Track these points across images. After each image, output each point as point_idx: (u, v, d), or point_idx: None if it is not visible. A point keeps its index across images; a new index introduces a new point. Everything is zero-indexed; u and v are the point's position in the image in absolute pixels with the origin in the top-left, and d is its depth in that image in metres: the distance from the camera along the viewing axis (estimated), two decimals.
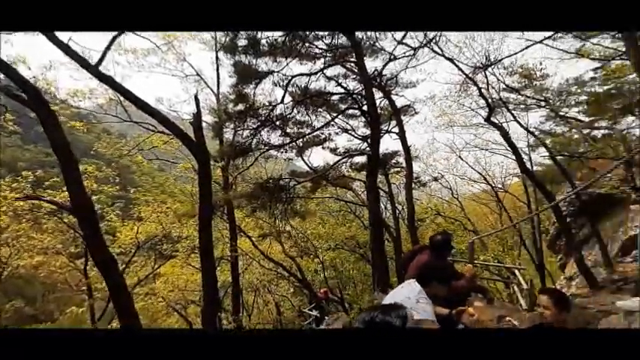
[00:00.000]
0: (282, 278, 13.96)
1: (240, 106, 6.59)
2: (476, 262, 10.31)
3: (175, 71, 11.53)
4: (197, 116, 4.37)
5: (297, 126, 9.09)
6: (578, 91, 10.33)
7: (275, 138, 7.72)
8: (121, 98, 8.20)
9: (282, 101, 6.73)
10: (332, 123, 9.66)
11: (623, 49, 6.67)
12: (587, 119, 10.64)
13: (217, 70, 10.60)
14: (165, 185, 14.19)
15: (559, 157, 10.43)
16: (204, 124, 6.72)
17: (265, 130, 6.96)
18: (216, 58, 10.35)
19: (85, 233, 4.21)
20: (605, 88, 9.55)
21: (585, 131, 10.69)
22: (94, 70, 4.38)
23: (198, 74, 11.22)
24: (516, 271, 8.15)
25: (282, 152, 10.84)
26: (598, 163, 10.06)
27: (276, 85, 6.91)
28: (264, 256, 10.33)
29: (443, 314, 2.74)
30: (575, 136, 11.10)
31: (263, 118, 6.67)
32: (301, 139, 10.45)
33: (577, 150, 10.59)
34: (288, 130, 8.63)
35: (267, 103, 6.87)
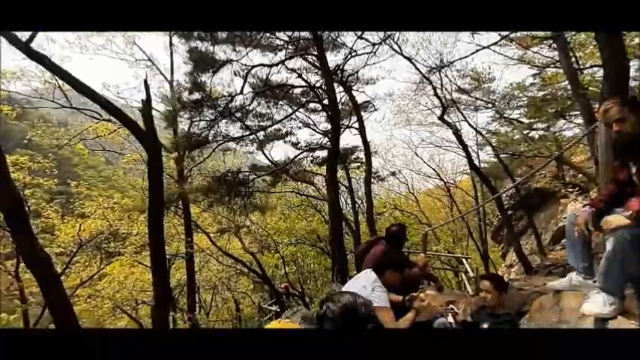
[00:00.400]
0: (241, 275, 13.67)
1: (196, 95, 6.28)
2: (428, 252, 10.90)
3: (124, 55, 10.67)
4: (147, 103, 4.06)
5: (258, 119, 8.90)
6: (520, 95, 11.26)
7: (234, 130, 7.49)
8: (60, 82, 7.39)
9: (241, 92, 6.52)
10: (293, 117, 9.58)
11: (558, 58, 7.38)
12: (526, 121, 11.65)
13: (171, 55, 9.97)
14: (114, 179, 13.15)
15: (502, 156, 11.35)
16: (156, 114, 6.31)
17: (223, 121, 6.71)
18: (170, 43, 9.74)
19: (12, 231, 3.74)
20: (542, 93, 10.53)
21: (525, 132, 11.74)
22: (23, 46, 3.88)
23: (149, 59, 10.48)
24: (464, 261, 8.75)
25: (241, 145, 10.55)
26: (535, 161, 11.10)
27: (235, 75, 6.69)
28: (223, 252, 10.01)
29: (397, 301, 2.85)
30: (517, 136, 12.14)
31: (221, 109, 6.41)
32: (262, 133, 10.25)
33: (518, 149, 11.59)
34: (249, 123, 8.42)
35: (225, 94, 6.61)
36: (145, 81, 4.28)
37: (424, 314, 3.18)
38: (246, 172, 6.70)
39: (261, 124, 9.74)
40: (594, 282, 1.98)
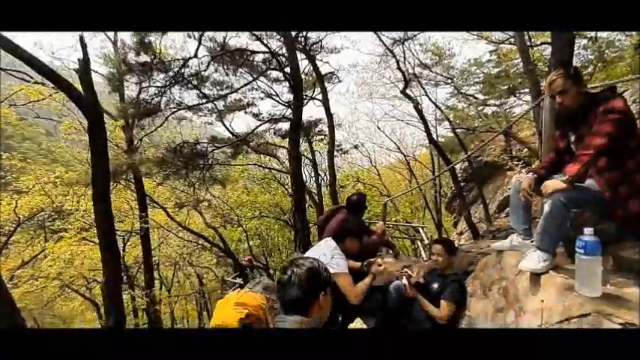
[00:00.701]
0: (203, 249, 13.45)
1: (144, 58, 5.70)
2: (388, 222, 11.41)
3: None
4: (84, 64, 3.59)
5: (217, 87, 8.38)
6: (477, 71, 11.67)
7: (189, 98, 6.97)
8: None
9: (195, 55, 6.02)
10: (255, 87, 9.16)
11: (512, 34, 7.67)
12: (481, 97, 12.19)
13: None
14: (57, 152, 11.91)
15: (458, 131, 11.90)
16: (99, 77, 5.67)
17: (177, 88, 6.21)
18: None
19: None
20: (496, 70, 10.99)
21: (479, 108, 12.33)
22: None
23: None
24: (420, 229, 9.28)
25: (200, 116, 9.97)
26: (487, 136, 11.82)
27: (189, 37, 6.11)
28: (182, 227, 9.68)
29: (356, 267, 2.95)
30: (472, 112, 12.73)
31: (173, 74, 5.91)
32: (222, 102, 9.72)
33: (472, 124, 12.20)
34: (206, 92, 7.90)
35: (178, 58, 6.08)
36: (81, 37, 3.76)
37: (381, 278, 3.33)
38: (204, 144, 6.34)
39: (220, 92, 9.22)
40: (532, 242, 2.16)
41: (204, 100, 6.91)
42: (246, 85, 7.26)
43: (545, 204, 1.85)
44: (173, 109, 6.18)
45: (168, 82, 5.81)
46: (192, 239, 11.10)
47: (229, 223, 13.85)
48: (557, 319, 1.61)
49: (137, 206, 7.72)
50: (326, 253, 2.52)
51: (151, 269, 7.34)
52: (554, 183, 1.78)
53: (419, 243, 8.67)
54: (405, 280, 2.65)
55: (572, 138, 2.01)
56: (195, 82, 6.28)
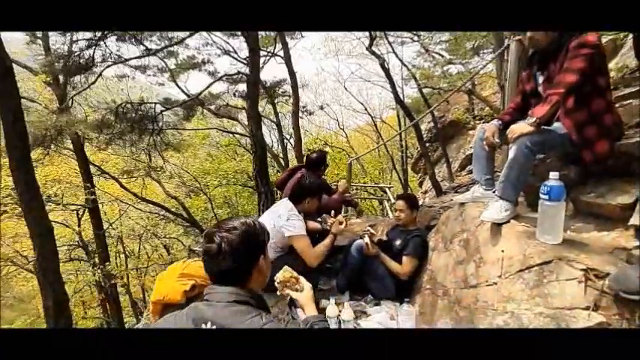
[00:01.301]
0: (168, 221, 12.92)
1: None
2: (356, 184, 11.48)
3: None
4: None
5: (165, 41, 7.47)
6: None
7: (132, 53, 6.12)
8: None
9: None
10: (209, 41, 8.31)
11: None
12: (447, 56, 12.07)
13: None
14: None
15: (425, 90, 11.83)
16: None
17: (113, 39, 5.36)
18: None
19: None
20: None
21: (445, 68, 12.25)
22: None
23: None
24: (387, 190, 9.42)
25: (149, 75, 9.02)
26: (453, 97, 11.88)
27: None
28: (139, 198, 9.07)
29: (316, 228, 2.80)
30: (437, 72, 12.64)
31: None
32: (173, 61, 8.81)
33: (438, 84, 12.16)
34: (152, 46, 7.02)
35: None
36: None
37: (344, 237, 3.23)
38: (150, 104, 5.65)
39: (171, 50, 8.30)
40: (494, 192, 2.09)
41: (147, 53, 6.08)
42: (190, 35, 6.24)
43: (510, 150, 1.74)
44: (109, 64, 5.36)
45: (101, 34, 4.97)
46: (152, 210, 10.53)
47: (193, 192, 13.30)
48: (517, 268, 1.55)
49: (83, 176, 6.97)
50: (282, 214, 2.33)
51: (104, 244, 6.81)
52: (521, 126, 1.65)
53: (386, 203, 8.81)
54: (366, 239, 2.54)
55: (541, 79, 1.87)
56: (134, 33, 5.45)
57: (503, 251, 1.69)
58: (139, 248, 14.60)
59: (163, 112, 5.68)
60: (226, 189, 14.12)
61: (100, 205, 11.71)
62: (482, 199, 2.13)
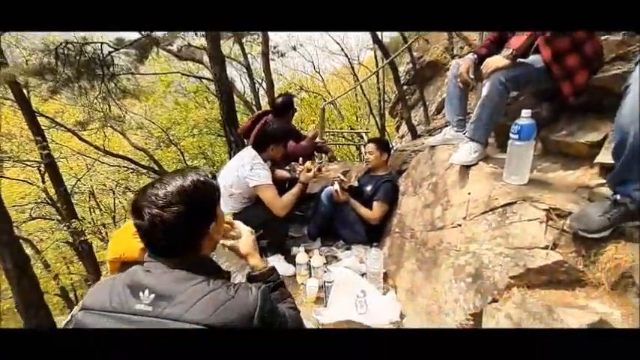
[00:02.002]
0: (139, 174, 12.45)
1: None
2: (333, 130, 11.28)
3: None
4: None
5: None
6: None
7: None
8: None
9: None
10: None
11: None
12: None
13: None
14: None
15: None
16: None
17: None
18: None
19: None
20: None
21: None
22: None
23: None
24: (363, 135, 9.32)
25: None
26: (430, 36, 11.30)
27: None
28: (101, 151, 8.53)
29: (285, 177, 2.70)
30: None
31: None
32: None
33: None
34: None
35: None
36: None
37: (317, 184, 3.17)
38: (96, 44, 4.89)
39: None
40: (464, 134, 2.01)
41: None
42: None
43: (484, 87, 1.62)
44: None
45: None
46: (119, 164, 10.03)
47: (164, 143, 12.67)
48: (481, 209, 1.53)
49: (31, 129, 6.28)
50: (245, 163, 2.18)
51: (68, 200, 6.47)
52: (496, 60, 1.52)
53: (362, 149, 8.76)
54: (336, 186, 2.48)
55: None
56: None
57: (469, 194, 1.66)
58: (114, 203, 14.25)
59: (113, 54, 5.01)
60: (198, 139, 13.53)
61: (65, 160, 11.04)
62: (453, 141, 2.06)
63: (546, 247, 1.18)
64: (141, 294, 0.81)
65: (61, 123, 6.89)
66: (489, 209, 1.48)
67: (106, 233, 12.03)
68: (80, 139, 7.77)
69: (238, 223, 1.18)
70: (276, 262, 2.36)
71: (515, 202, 1.36)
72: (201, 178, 0.91)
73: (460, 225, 1.65)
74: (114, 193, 13.29)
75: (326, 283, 1.95)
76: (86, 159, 10.79)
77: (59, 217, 8.32)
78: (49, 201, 9.80)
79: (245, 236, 1.15)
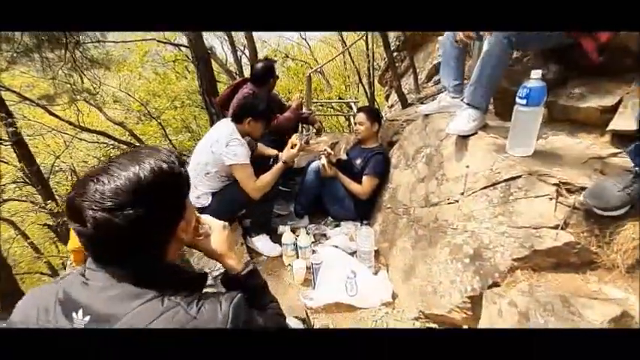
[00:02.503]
0: (122, 150, 11.97)
1: None
2: (320, 100, 10.91)
3: None
4: None
5: None
6: None
7: None
8: None
9: None
10: None
11: None
12: None
13: None
14: None
15: None
16: None
17: None
18: None
19: None
20: None
21: None
22: None
23: None
24: (352, 105, 9.02)
25: None
26: None
27: None
28: (75, 126, 8.04)
29: (268, 153, 2.50)
30: None
31: None
32: None
33: None
34: None
35: None
36: None
37: (304, 158, 2.99)
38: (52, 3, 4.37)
39: None
40: (462, 100, 1.83)
41: None
42: None
43: (485, 42, 1.42)
44: None
45: None
46: (99, 140, 9.53)
47: (145, 116, 12.10)
48: (482, 184, 1.40)
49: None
50: (220, 139, 1.97)
51: (42, 180, 6.11)
52: None
53: (352, 119, 8.51)
54: (323, 160, 2.31)
55: None
56: None
57: (468, 166, 1.51)
58: None
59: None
60: (181, 112, 12.96)
61: (42, 138, 10.45)
62: (449, 109, 1.89)
63: (556, 227, 1.06)
64: (74, 314, 0.63)
65: (26, 97, 6.35)
66: (490, 184, 1.34)
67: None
68: (51, 114, 7.25)
69: (207, 218, 0.94)
70: (261, 242, 2.23)
71: (520, 176, 1.22)
72: (164, 165, 0.68)
73: (457, 201, 1.52)
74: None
75: (314, 265, 1.84)
76: (63, 136, 10.25)
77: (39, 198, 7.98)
78: (29, 181, 9.38)
79: (217, 232, 0.92)
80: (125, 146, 10.06)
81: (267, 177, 2.04)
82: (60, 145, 11.31)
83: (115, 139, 8.90)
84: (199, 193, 2.04)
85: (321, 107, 12.24)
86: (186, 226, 0.76)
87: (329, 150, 2.41)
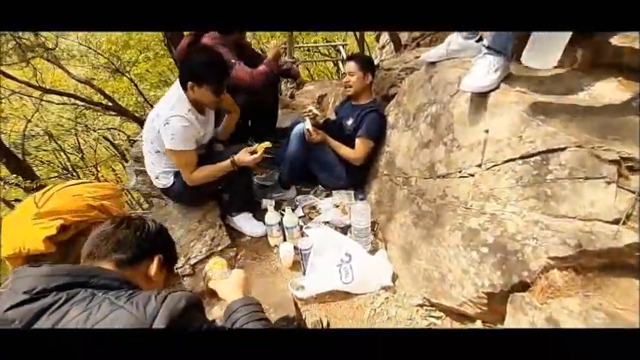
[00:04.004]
0: (98, 111, 11.14)
1: None
2: (307, 45, 9.99)
3: None
4: None
5: None
6: None
7: None
8: None
9: None
10: None
11: None
12: None
13: None
14: None
15: None
16: None
17: None
18: None
19: None
20: None
21: None
22: None
23: None
24: (341, 48, 8.27)
25: None
26: None
27: None
28: (33, 87, 7.25)
29: (218, 149, 2.03)
30: None
31: None
32: None
33: None
34: None
35: None
36: None
37: (287, 117, 2.62)
38: None
39: None
40: (478, 41, 1.45)
41: None
42: None
43: None
44: None
45: None
46: (67, 101, 8.75)
47: (118, 71, 11.06)
48: (506, 155, 1.10)
49: None
50: (161, 112, 1.57)
51: (8, 154, 5.49)
52: None
53: (340, 64, 7.85)
54: (307, 124, 1.96)
55: None
56: None
57: (487, 131, 1.20)
58: (78, 143, 13.14)
59: None
60: (155, 63, 11.86)
61: (7, 101, 9.59)
62: (461, 54, 1.51)
63: (616, 222, 0.79)
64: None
65: None
66: (519, 156, 1.05)
67: (79, 175, 11.31)
68: (6, 76, 6.45)
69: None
70: (243, 221, 1.97)
71: (564, 149, 0.92)
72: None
73: (472, 175, 1.24)
74: (76, 134, 12.13)
75: (302, 251, 1.60)
76: (31, 99, 9.41)
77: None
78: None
79: (235, 276, 1.01)
80: (98, 107, 9.33)
81: (206, 171, 1.68)
82: (30, 109, 10.48)
83: (84, 100, 8.16)
84: (157, 173, 1.72)
85: (307, 52, 11.29)
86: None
87: (314, 110, 2.05)
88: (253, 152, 1.72)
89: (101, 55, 9.22)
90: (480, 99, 1.27)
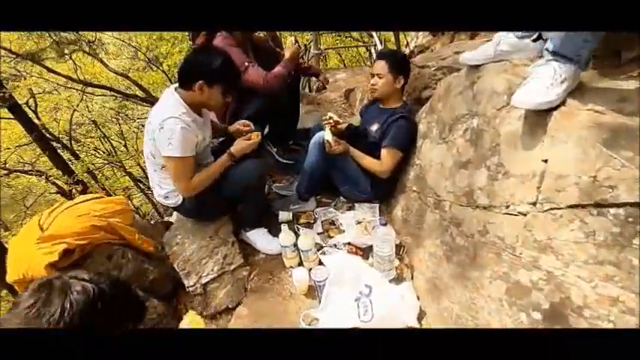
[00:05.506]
0: (135, 103, 11.60)
1: None
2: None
3: None
4: None
5: None
6: None
7: None
8: None
9: None
10: None
11: None
12: None
13: None
14: None
15: None
16: None
17: None
18: None
19: None
20: None
21: None
22: None
23: None
24: (374, 33, 7.81)
25: None
26: None
27: None
28: (73, 80, 7.57)
29: (218, 129, 1.88)
30: None
31: None
32: None
33: None
34: None
35: None
36: None
37: (309, 117, 2.44)
38: None
39: None
40: (535, 40, 1.17)
41: None
42: None
43: None
44: None
45: None
46: (104, 94, 9.13)
47: (152, 63, 11.39)
48: (575, 199, 0.84)
49: None
50: (154, 119, 1.43)
51: (48, 145, 5.81)
52: None
53: (373, 50, 7.44)
54: (327, 134, 1.76)
55: None
56: None
57: (545, 161, 0.95)
58: (122, 131, 13.82)
59: None
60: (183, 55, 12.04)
61: (57, 92, 10.23)
62: (513, 55, 1.22)
63: None
64: None
65: (17, 53, 5.84)
66: (593, 203, 0.79)
67: (122, 162, 11.92)
68: (50, 70, 6.79)
69: None
70: (257, 236, 1.84)
71: None
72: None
73: (524, 214, 0.99)
74: (119, 123, 12.75)
75: (317, 283, 1.44)
76: (73, 91, 9.96)
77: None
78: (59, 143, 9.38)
79: None
80: (134, 99, 9.67)
81: (203, 174, 1.53)
82: (77, 100, 11.12)
83: (121, 93, 8.47)
84: (166, 192, 1.61)
85: (338, 37, 10.84)
86: None
87: (335, 117, 1.84)
88: (248, 139, 1.59)
89: (134, 47, 9.46)
90: (536, 118, 1.00)
